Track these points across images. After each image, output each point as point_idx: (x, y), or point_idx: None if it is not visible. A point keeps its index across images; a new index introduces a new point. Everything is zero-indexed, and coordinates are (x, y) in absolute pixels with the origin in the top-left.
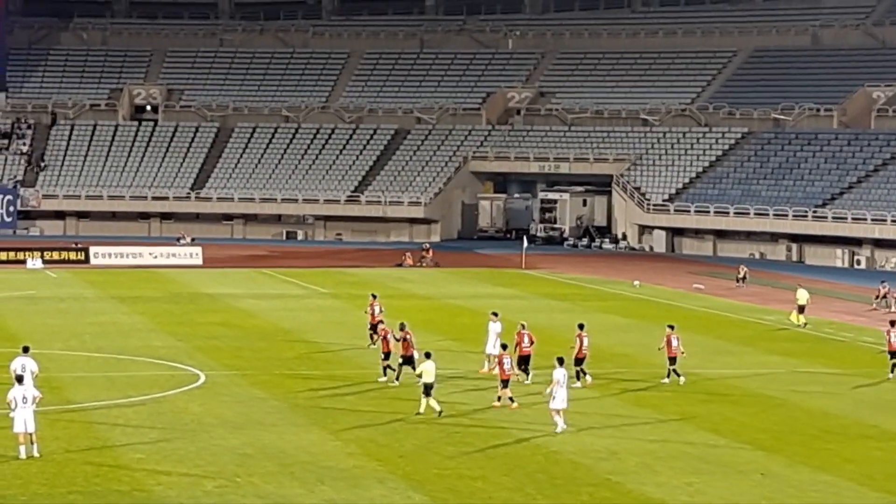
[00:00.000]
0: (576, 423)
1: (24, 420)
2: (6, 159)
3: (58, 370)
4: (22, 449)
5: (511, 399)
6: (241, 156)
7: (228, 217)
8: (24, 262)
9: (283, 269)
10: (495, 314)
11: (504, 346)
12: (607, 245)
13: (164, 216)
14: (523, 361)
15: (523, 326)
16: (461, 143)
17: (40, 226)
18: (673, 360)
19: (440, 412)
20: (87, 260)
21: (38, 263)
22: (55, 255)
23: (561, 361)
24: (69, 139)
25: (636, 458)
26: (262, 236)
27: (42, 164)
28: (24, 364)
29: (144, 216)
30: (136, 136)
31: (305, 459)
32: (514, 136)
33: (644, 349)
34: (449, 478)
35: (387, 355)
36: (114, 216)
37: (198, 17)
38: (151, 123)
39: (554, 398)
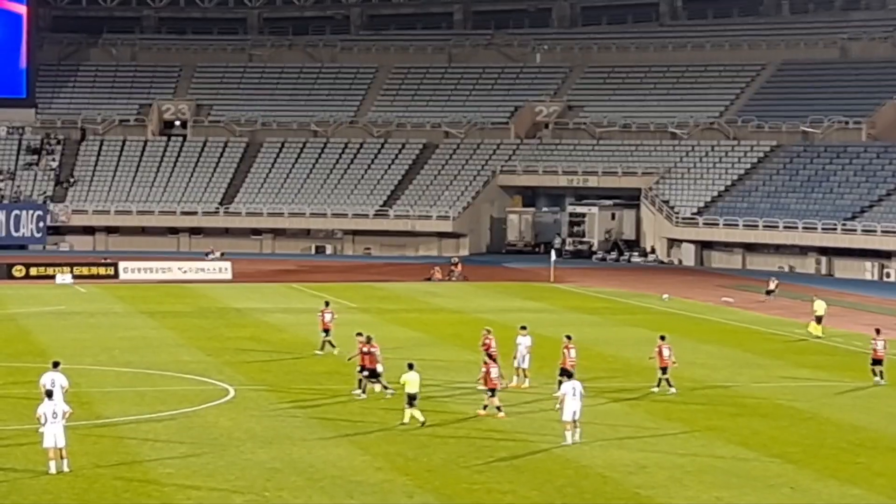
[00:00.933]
0: (604, 437)
1: (53, 435)
2: (36, 175)
3: (88, 385)
4: (52, 464)
5: (498, 408)
6: (270, 170)
7: (257, 232)
8: (53, 277)
9: (312, 283)
10: (524, 328)
11: (491, 356)
12: (636, 258)
13: (193, 231)
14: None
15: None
16: (489, 157)
17: (70, 241)
18: (664, 369)
19: (423, 422)
20: (116, 275)
21: (68, 279)
22: (85, 271)
23: (568, 374)
24: (98, 155)
25: (665, 472)
26: (291, 251)
27: (71, 180)
28: (53, 379)
29: (173, 231)
30: (165, 151)
31: (334, 474)
32: (542, 149)
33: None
34: (478, 492)
35: (364, 369)
36: (143, 231)
37: (227, 32)
38: (180, 139)
39: (563, 410)
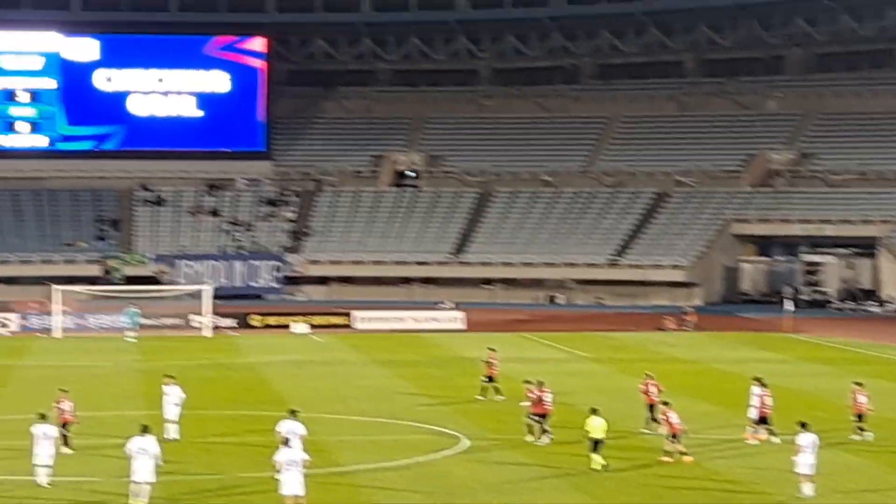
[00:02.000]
0: (842, 489)
1: (292, 483)
2: (273, 226)
3: (324, 433)
4: None
5: (684, 453)
6: (502, 220)
7: (489, 281)
8: (290, 326)
9: (544, 332)
10: (757, 380)
11: (666, 403)
12: (874, 308)
13: (426, 281)
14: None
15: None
16: (722, 205)
17: (305, 291)
18: (860, 416)
19: (605, 465)
20: (350, 324)
21: (304, 328)
22: (320, 320)
23: (804, 426)
24: (333, 206)
25: None
26: (523, 300)
27: (307, 231)
28: (291, 427)
29: (406, 281)
30: (397, 201)
31: None
32: (775, 198)
33: None
34: None
35: (535, 414)
36: (376, 281)
37: (458, 83)
38: (413, 189)
39: (799, 462)
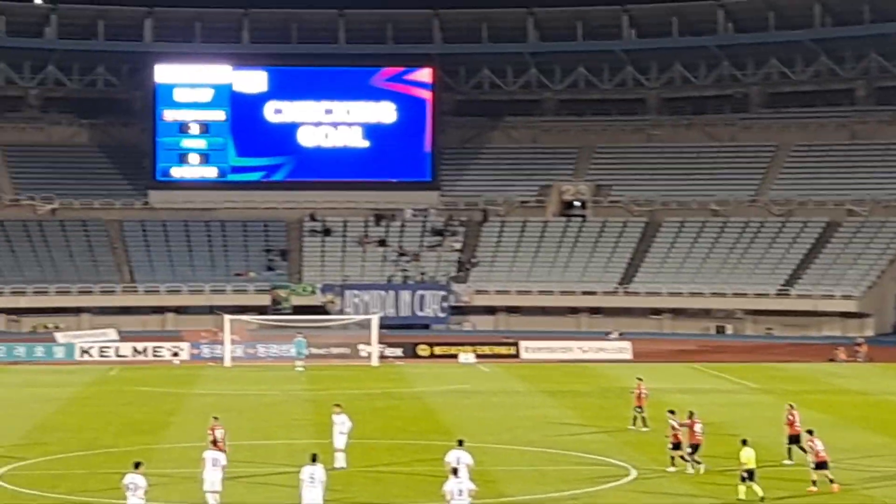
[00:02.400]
0: None
1: None
2: (439, 256)
3: (491, 463)
4: None
5: (831, 481)
6: (669, 250)
7: (657, 311)
8: (457, 356)
9: (713, 363)
10: None
11: (810, 431)
12: None
13: (593, 311)
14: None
15: (791, 407)
16: (894, 234)
17: (472, 321)
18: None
19: (762, 497)
20: (517, 354)
21: (471, 358)
22: (487, 350)
23: None
24: (499, 235)
25: None
26: (691, 330)
27: (473, 261)
28: (459, 457)
29: (573, 311)
30: (564, 231)
31: None
32: None
33: None
34: None
35: (677, 446)
36: (543, 311)
37: (625, 112)
38: (580, 219)
39: None
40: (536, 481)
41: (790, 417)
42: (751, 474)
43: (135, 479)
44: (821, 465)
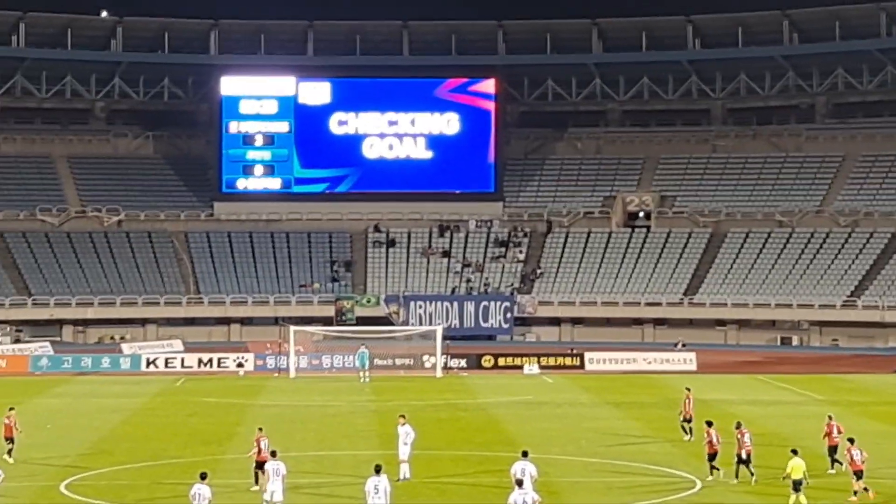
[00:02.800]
0: None
1: None
2: (503, 267)
3: (556, 475)
4: None
5: (866, 489)
6: (735, 261)
7: (721, 322)
8: (521, 367)
9: (778, 375)
10: None
11: (851, 440)
12: None
13: (658, 322)
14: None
15: (830, 418)
16: None
17: (536, 332)
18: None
19: None
20: (582, 365)
21: (535, 369)
22: (551, 361)
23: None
24: (564, 246)
25: None
26: (756, 342)
27: (538, 272)
28: (523, 468)
29: (638, 322)
30: (629, 242)
31: None
32: None
33: None
34: None
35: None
36: (607, 322)
37: (690, 123)
38: (644, 230)
39: None
40: (601, 493)
41: (827, 428)
42: (797, 485)
43: (200, 490)
44: (857, 475)
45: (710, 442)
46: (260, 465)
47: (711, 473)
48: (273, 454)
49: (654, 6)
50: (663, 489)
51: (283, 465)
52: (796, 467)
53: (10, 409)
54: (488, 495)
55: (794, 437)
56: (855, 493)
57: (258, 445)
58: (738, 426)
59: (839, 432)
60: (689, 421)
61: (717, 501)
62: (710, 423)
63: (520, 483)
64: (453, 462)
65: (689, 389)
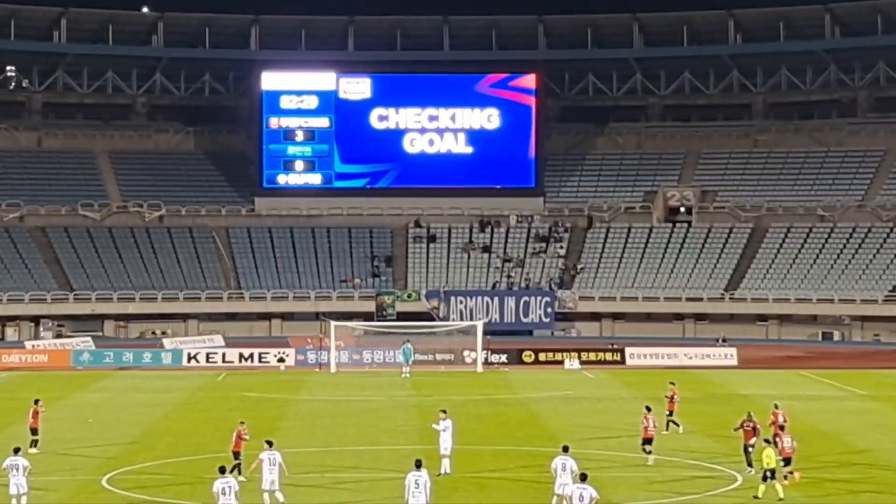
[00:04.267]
0: None
1: None
2: (544, 262)
3: (597, 469)
4: None
5: (791, 473)
6: (776, 256)
7: (763, 318)
8: (561, 362)
9: (820, 370)
10: None
11: (782, 427)
12: None
13: (699, 317)
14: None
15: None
16: None
17: (577, 327)
18: None
19: (780, 498)
20: (622, 361)
21: (576, 364)
22: (591, 356)
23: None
24: (604, 241)
25: None
26: (797, 337)
27: (579, 267)
28: (564, 463)
29: (678, 317)
30: (669, 237)
31: None
32: None
33: None
34: None
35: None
36: (648, 317)
37: (731, 118)
38: (685, 225)
39: None
40: (642, 488)
41: (773, 417)
42: (772, 474)
43: (229, 483)
44: (786, 461)
45: (646, 427)
46: (235, 454)
47: (646, 450)
48: (269, 444)
49: (696, 0)
50: (704, 484)
51: (278, 454)
52: (769, 457)
53: (36, 401)
54: (529, 490)
55: (835, 434)
56: (785, 477)
57: (239, 437)
58: (749, 416)
59: (784, 421)
60: (671, 414)
61: (755, 495)
62: (648, 409)
63: (583, 477)
64: (494, 457)
65: (673, 384)
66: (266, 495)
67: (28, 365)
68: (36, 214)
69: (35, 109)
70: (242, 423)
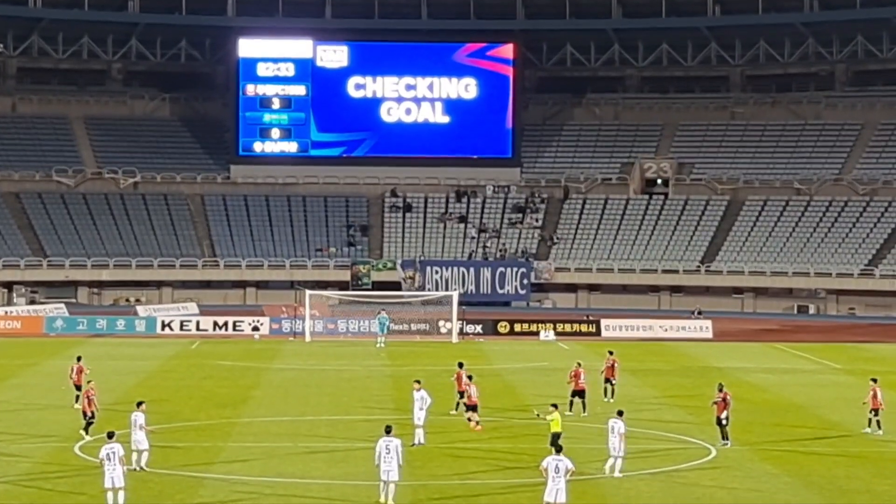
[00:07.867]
0: None
1: (555, 491)
2: (520, 233)
3: (572, 442)
4: None
5: (469, 419)
6: (752, 229)
7: (738, 290)
8: (537, 333)
9: (795, 343)
10: None
11: (470, 377)
12: None
13: (674, 289)
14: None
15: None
16: None
17: (553, 298)
18: (875, 411)
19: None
20: (598, 332)
21: (551, 335)
22: (567, 328)
23: None
24: (581, 213)
25: None
26: (773, 310)
27: (555, 238)
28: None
29: (654, 289)
30: (646, 209)
31: None
32: None
33: None
34: None
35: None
36: (624, 289)
37: (709, 90)
38: (662, 197)
39: None
40: None
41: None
42: (556, 438)
43: (113, 448)
44: (473, 408)
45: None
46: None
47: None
48: (138, 405)
49: None
50: (679, 457)
51: (142, 416)
52: (555, 421)
53: (79, 357)
54: (502, 461)
55: (809, 407)
56: (476, 422)
57: (87, 397)
58: (721, 388)
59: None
60: (609, 381)
61: (732, 467)
62: (579, 364)
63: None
64: (468, 428)
65: (611, 353)
66: (135, 455)
67: (0, 331)
68: (10, 180)
69: (10, 74)
70: (90, 381)
